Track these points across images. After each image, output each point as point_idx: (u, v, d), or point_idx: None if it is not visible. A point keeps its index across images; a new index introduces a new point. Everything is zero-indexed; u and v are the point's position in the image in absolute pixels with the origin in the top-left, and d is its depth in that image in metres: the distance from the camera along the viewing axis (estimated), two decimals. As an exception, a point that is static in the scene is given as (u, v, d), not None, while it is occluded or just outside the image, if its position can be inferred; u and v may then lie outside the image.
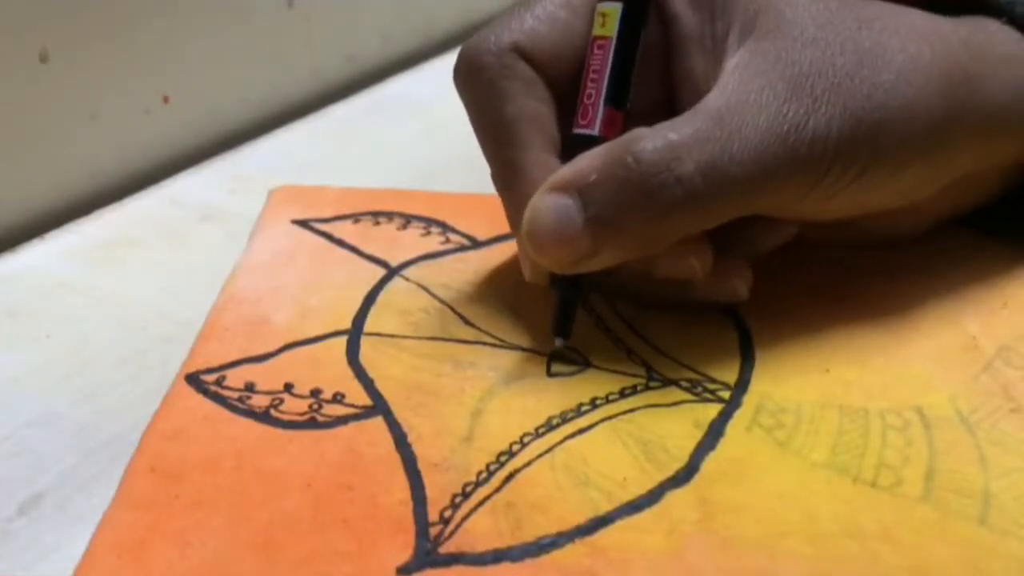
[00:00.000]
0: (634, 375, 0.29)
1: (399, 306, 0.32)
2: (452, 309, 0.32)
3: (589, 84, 0.29)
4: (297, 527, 0.24)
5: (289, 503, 0.25)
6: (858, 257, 0.34)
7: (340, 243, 0.36)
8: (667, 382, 0.29)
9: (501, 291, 0.33)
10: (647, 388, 0.29)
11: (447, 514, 0.25)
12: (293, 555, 0.24)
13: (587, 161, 0.27)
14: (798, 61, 0.28)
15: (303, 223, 0.37)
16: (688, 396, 0.28)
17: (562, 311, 0.30)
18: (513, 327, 0.31)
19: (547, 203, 0.27)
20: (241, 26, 0.48)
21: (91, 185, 0.43)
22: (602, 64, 0.29)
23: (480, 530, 0.24)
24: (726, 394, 0.28)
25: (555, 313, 0.30)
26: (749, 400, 0.28)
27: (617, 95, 0.29)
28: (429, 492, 0.25)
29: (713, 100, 0.27)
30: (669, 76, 0.31)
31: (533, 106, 0.30)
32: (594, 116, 0.29)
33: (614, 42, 0.29)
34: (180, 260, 0.38)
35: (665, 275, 0.29)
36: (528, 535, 0.24)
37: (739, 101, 0.27)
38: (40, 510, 0.27)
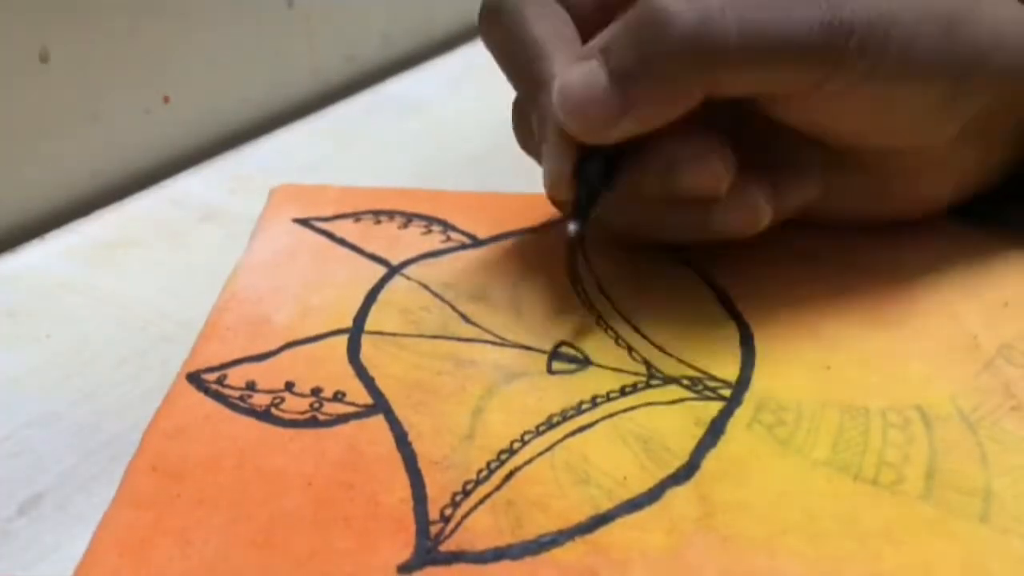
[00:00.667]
0: (635, 373, 0.29)
1: (400, 305, 0.32)
2: (453, 307, 0.32)
3: None
4: (298, 525, 0.24)
5: (290, 502, 0.25)
6: (860, 255, 0.34)
7: (341, 242, 0.36)
8: (668, 380, 0.29)
9: (502, 289, 0.33)
10: (648, 386, 0.29)
11: (447, 512, 0.25)
12: (294, 553, 0.24)
13: (612, 27, 0.28)
14: None
15: (304, 222, 0.37)
16: (689, 394, 0.28)
17: (587, 194, 0.29)
18: (514, 325, 0.31)
19: (574, 70, 0.28)
20: (241, 26, 0.48)
21: (91, 185, 0.43)
22: None
23: (480, 528, 0.24)
24: (727, 392, 0.28)
25: (579, 192, 0.29)
26: (750, 398, 0.28)
27: None
28: (430, 490, 0.25)
29: None
30: None
31: (558, 26, 0.30)
32: None
33: None
34: (180, 260, 0.38)
35: (687, 182, 0.29)
36: (528, 533, 0.24)
37: None
38: (40, 510, 0.27)
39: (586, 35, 0.30)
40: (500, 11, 0.31)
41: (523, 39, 0.30)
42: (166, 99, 0.45)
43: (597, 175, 0.29)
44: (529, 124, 0.31)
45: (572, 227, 0.29)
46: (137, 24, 0.43)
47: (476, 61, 0.52)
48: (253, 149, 0.46)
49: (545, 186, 0.30)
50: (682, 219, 0.31)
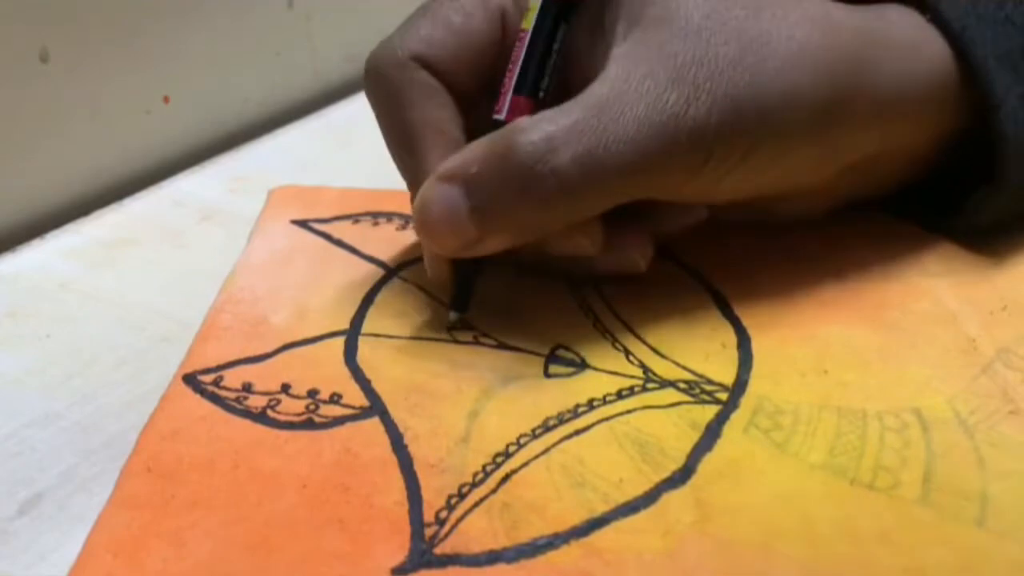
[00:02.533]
0: (631, 376, 0.29)
1: (397, 307, 0.32)
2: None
3: (507, 74, 0.30)
4: (293, 528, 0.24)
5: (285, 503, 0.25)
6: (857, 259, 0.33)
7: (339, 243, 0.36)
8: (664, 383, 0.29)
9: (499, 292, 0.32)
10: (644, 389, 0.29)
11: (442, 515, 0.25)
12: (288, 556, 0.24)
13: (471, 151, 0.28)
14: (681, 51, 0.28)
15: (302, 223, 0.37)
16: (685, 397, 0.28)
17: (460, 286, 0.31)
18: (511, 328, 0.31)
19: (434, 193, 0.28)
20: (241, 26, 0.48)
21: (91, 185, 0.43)
22: (518, 55, 0.30)
23: (475, 531, 0.24)
24: (723, 395, 0.28)
25: (455, 288, 0.31)
26: (747, 401, 0.28)
27: (527, 83, 0.30)
28: (425, 493, 0.25)
29: (595, 90, 0.28)
30: (564, 66, 0.31)
31: (434, 113, 0.30)
32: (503, 103, 0.30)
33: (529, 34, 0.30)
34: (180, 260, 0.38)
35: (559, 253, 0.30)
36: (523, 536, 0.24)
37: (620, 91, 0.28)
38: (40, 510, 0.27)
39: (470, 116, 0.31)
40: (380, 89, 0.31)
41: (400, 126, 0.31)
42: (166, 99, 0.45)
43: (470, 269, 0.31)
44: None
45: (452, 317, 0.31)
46: (137, 24, 0.43)
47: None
48: (253, 149, 0.46)
49: (428, 275, 0.31)
50: (568, 267, 0.32)
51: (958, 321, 0.31)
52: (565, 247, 0.30)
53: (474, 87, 0.31)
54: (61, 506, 0.27)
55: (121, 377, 0.32)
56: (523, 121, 0.28)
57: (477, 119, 0.31)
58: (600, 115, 0.27)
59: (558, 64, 0.30)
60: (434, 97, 0.31)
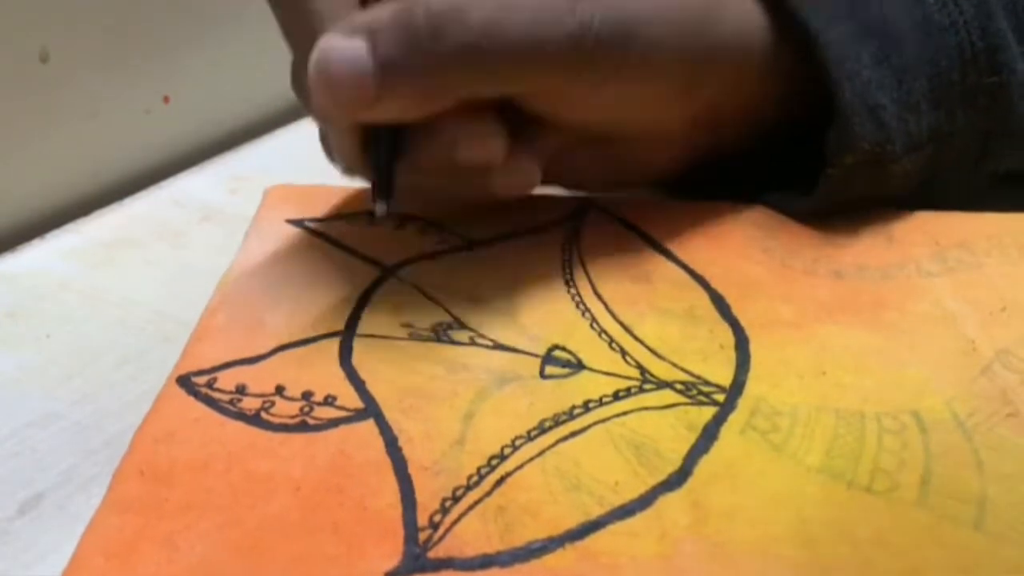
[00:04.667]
0: (628, 378, 0.29)
1: (393, 308, 0.32)
2: (446, 310, 0.32)
3: None
4: (286, 531, 0.24)
5: (278, 506, 0.25)
6: (856, 259, 0.33)
7: (335, 243, 0.35)
8: (661, 384, 0.29)
9: (496, 293, 0.32)
10: (641, 391, 0.28)
11: (436, 518, 0.24)
12: (281, 559, 0.24)
13: (381, 8, 0.29)
14: None
15: (298, 223, 0.36)
16: (682, 399, 0.28)
17: (382, 170, 0.31)
18: (507, 329, 0.31)
19: (339, 43, 0.28)
20: (241, 26, 0.48)
21: (91, 185, 0.43)
22: None
23: (469, 535, 0.24)
24: (721, 397, 0.28)
25: (374, 173, 0.31)
26: (744, 403, 0.28)
27: None
28: (419, 496, 0.25)
29: None
30: None
31: None
32: None
33: None
34: (180, 260, 0.38)
35: (465, 157, 0.31)
36: (518, 540, 0.24)
37: None
38: (40, 510, 0.27)
39: None
40: None
41: (300, 4, 0.31)
42: (166, 99, 0.46)
43: (387, 154, 0.31)
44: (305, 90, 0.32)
45: (379, 209, 0.31)
46: (137, 24, 0.43)
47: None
48: (253, 149, 0.46)
49: (340, 170, 0.32)
50: (464, 184, 0.33)
51: (957, 322, 0.31)
52: (471, 148, 0.31)
53: None
54: (61, 506, 0.27)
55: (121, 377, 0.32)
56: None
57: None
58: None
59: None
60: None
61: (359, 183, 0.39)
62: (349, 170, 0.32)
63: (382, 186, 0.31)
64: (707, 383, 0.29)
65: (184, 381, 0.29)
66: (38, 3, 0.40)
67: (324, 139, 0.35)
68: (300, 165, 0.44)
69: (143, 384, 0.31)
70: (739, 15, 0.33)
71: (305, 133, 0.47)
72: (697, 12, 0.31)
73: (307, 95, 0.32)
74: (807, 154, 0.34)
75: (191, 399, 0.28)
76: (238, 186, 0.43)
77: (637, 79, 0.31)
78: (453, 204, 0.34)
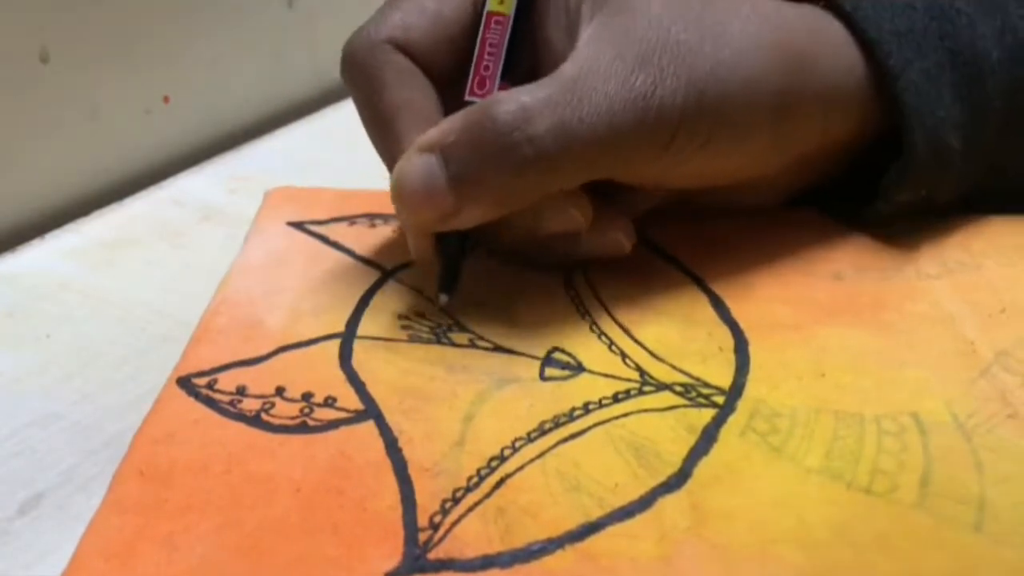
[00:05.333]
0: (628, 380, 0.29)
1: (393, 309, 0.32)
2: (446, 312, 0.32)
3: (487, 57, 0.31)
4: (285, 532, 0.24)
5: (278, 508, 0.25)
6: (855, 261, 0.33)
7: (335, 245, 0.35)
8: (661, 387, 0.29)
9: (495, 295, 0.32)
10: (641, 393, 0.28)
11: (437, 519, 0.25)
12: (281, 560, 0.24)
13: (449, 123, 0.29)
14: (644, 37, 0.29)
15: (298, 225, 0.37)
16: (682, 401, 0.28)
17: (447, 267, 0.31)
18: (507, 331, 0.31)
19: (412, 162, 0.29)
20: (241, 26, 0.48)
21: (91, 185, 0.43)
22: (500, 39, 0.31)
23: (470, 536, 0.24)
24: (720, 399, 0.28)
25: (441, 269, 0.31)
26: (743, 405, 0.28)
27: (509, 69, 0.31)
28: (419, 497, 0.25)
29: (567, 68, 0.29)
30: (532, 47, 0.32)
31: (410, 95, 0.31)
32: (492, 87, 0.31)
33: (511, 20, 0.31)
34: (180, 260, 0.38)
35: (550, 229, 0.31)
36: (518, 541, 0.24)
37: (590, 69, 0.29)
38: (40, 510, 0.27)
39: (440, 79, 0.32)
40: (356, 74, 0.32)
41: (377, 109, 0.31)
42: (166, 99, 0.45)
43: (455, 248, 0.31)
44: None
45: (442, 299, 0.31)
46: (137, 24, 0.43)
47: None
48: (253, 149, 0.46)
49: (412, 256, 0.31)
50: (551, 251, 0.32)
51: (956, 323, 0.31)
52: (558, 221, 0.31)
53: (450, 68, 0.32)
54: (61, 506, 0.27)
55: (121, 377, 0.32)
56: (500, 94, 0.29)
57: (453, 99, 0.31)
58: (573, 90, 0.28)
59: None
60: (409, 78, 0.31)
61: (359, 183, 0.40)
62: (422, 264, 0.32)
63: (448, 280, 0.31)
64: (707, 385, 0.29)
65: (184, 382, 0.29)
66: (38, 3, 0.40)
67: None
68: (300, 165, 0.45)
69: (143, 384, 0.31)
70: (832, 60, 0.32)
71: (305, 133, 0.48)
72: (791, 66, 0.31)
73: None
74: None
75: (191, 400, 0.28)
76: (238, 186, 0.43)
77: (727, 147, 0.31)
78: (542, 266, 0.33)
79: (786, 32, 0.31)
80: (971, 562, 0.23)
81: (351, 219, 0.37)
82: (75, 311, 0.35)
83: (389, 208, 0.37)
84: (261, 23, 0.49)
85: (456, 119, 0.29)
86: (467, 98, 0.31)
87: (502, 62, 0.31)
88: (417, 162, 0.29)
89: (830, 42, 0.32)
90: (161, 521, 0.25)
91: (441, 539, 0.24)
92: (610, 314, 0.32)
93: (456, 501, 0.25)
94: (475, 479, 0.26)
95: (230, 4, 0.47)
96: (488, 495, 0.25)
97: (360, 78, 0.31)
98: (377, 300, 0.32)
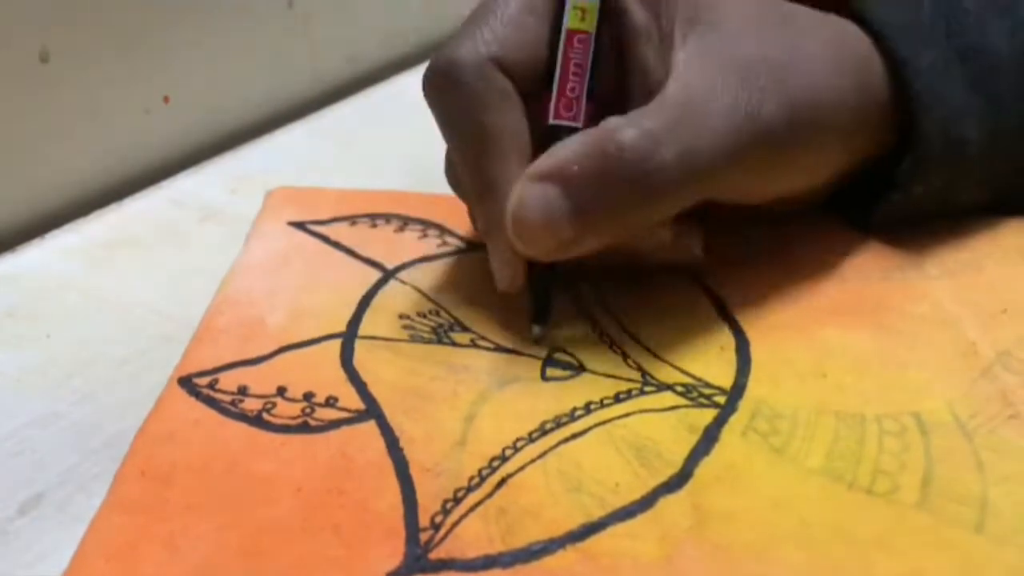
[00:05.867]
0: (629, 380, 0.29)
1: (394, 309, 0.32)
2: (448, 312, 0.32)
3: (572, 78, 0.30)
4: (287, 532, 0.24)
5: (279, 508, 0.25)
6: (856, 262, 0.33)
7: (336, 245, 0.35)
8: (662, 387, 0.29)
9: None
10: (642, 393, 0.28)
11: (438, 519, 0.25)
12: (282, 560, 0.24)
13: (568, 151, 0.28)
14: (740, 55, 0.30)
15: (300, 225, 0.37)
16: (683, 401, 0.28)
17: (541, 297, 0.30)
18: (508, 331, 0.31)
19: (531, 193, 0.28)
20: (241, 26, 0.48)
21: (91, 185, 0.43)
22: (584, 58, 0.30)
23: (471, 536, 0.24)
24: (721, 399, 0.28)
25: (533, 300, 0.30)
26: (745, 405, 0.28)
27: (593, 88, 0.30)
28: (420, 497, 0.25)
29: (673, 90, 0.29)
30: (619, 68, 0.31)
31: (511, 118, 0.30)
32: (579, 109, 0.30)
33: (594, 36, 0.30)
34: (180, 260, 0.38)
35: (634, 246, 0.30)
36: (519, 541, 0.24)
37: (699, 90, 0.29)
38: (41, 510, 0.27)
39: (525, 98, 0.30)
40: (453, 90, 0.30)
41: (476, 130, 0.30)
42: (166, 99, 0.45)
43: (549, 278, 0.30)
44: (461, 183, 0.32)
45: (536, 331, 0.30)
46: (137, 24, 0.43)
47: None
48: (253, 149, 0.46)
49: (498, 287, 0.31)
50: (627, 262, 0.32)
51: (958, 324, 0.31)
52: (641, 240, 0.30)
53: (533, 88, 0.31)
54: (61, 506, 0.27)
55: (121, 377, 0.32)
56: (616, 120, 0.28)
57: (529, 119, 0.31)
58: (689, 113, 0.28)
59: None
60: (509, 101, 0.30)
61: (359, 183, 0.40)
62: (508, 292, 0.31)
63: (540, 311, 0.30)
64: (708, 385, 0.29)
65: (185, 382, 0.29)
66: (38, 3, 0.40)
67: (449, 167, 0.34)
68: (300, 165, 0.45)
69: (143, 384, 0.31)
70: (879, 77, 0.32)
71: (305, 133, 0.48)
72: (863, 80, 0.31)
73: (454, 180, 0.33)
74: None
75: (192, 400, 0.28)
76: (238, 186, 0.42)
77: (809, 167, 0.31)
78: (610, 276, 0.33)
79: (854, 44, 0.32)
80: (973, 562, 0.23)
81: (352, 219, 0.37)
82: (75, 311, 0.35)
83: (390, 208, 0.37)
84: (261, 23, 0.49)
85: (575, 146, 0.28)
86: (552, 121, 0.30)
87: (587, 82, 0.30)
88: (536, 191, 0.28)
89: (870, 55, 0.32)
90: (162, 521, 0.25)
91: (442, 539, 0.24)
92: (612, 315, 0.32)
93: (457, 501, 0.25)
94: (476, 479, 0.26)
95: (231, 4, 0.47)
96: (489, 495, 0.25)
97: (458, 96, 0.30)
98: (379, 300, 0.32)
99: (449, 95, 0.30)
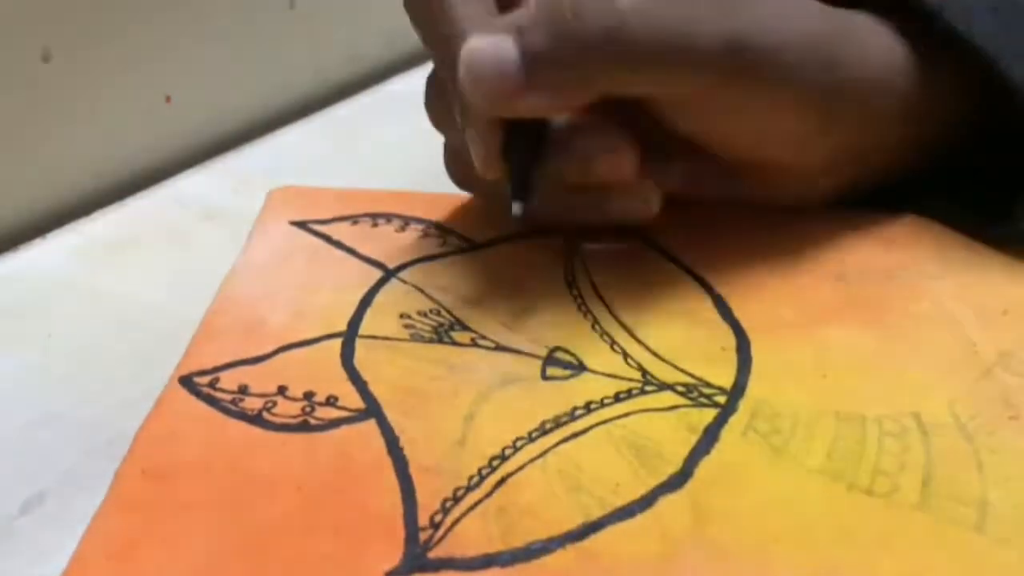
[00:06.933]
0: (629, 379, 0.29)
1: (395, 309, 0.32)
2: (448, 312, 0.32)
3: None
4: (287, 531, 0.24)
5: (279, 507, 0.25)
6: (857, 261, 0.33)
7: (337, 244, 0.35)
8: (663, 386, 0.29)
9: (498, 294, 0.32)
10: (642, 392, 0.28)
11: (437, 518, 0.24)
12: (282, 559, 0.24)
13: (524, 6, 0.29)
14: None
15: (301, 224, 0.36)
16: (684, 401, 0.28)
17: (518, 171, 0.31)
18: (509, 330, 0.31)
19: (484, 40, 0.29)
20: (243, 26, 0.48)
21: (93, 184, 0.43)
22: None
23: (470, 535, 0.24)
24: (722, 399, 0.28)
25: (511, 174, 0.30)
26: (745, 405, 0.28)
27: None
28: (420, 496, 0.25)
29: None
30: None
31: (481, 8, 0.30)
32: None
33: None
34: (182, 260, 0.38)
35: (603, 173, 0.31)
36: (518, 540, 0.24)
37: None
38: (42, 509, 0.27)
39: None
40: None
41: (445, 14, 0.30)
42: (168, 99, 0.45)
43: (526, 155, 0.30)
44: (445, 100, 0.32)
45: (516, 208, 0.31)
46: (139, 24, 0.43)
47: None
48: (254, 149, 0.46)
49: (476, 167, 0.31)
50: (584, 204, 0.33)
51: (959, 325, 0.31)
52: (612, 165, 0.31)
53: None
54: (63, 505, 0.27)
55: (123, 376, 0.32)
56: None
57: None
58: None
59: None
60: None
61: (360, 183, 0.40)
62: (484, 167, 0.31)
63: (519, 186, 0.31)
64: (708, 385, 0.29)
65: (186, 381, 0.29)
66: (40, 2, 0.40)
67: (447, 153, 0.35)
68: (301, 164, 0.45)
69: (145, 383, 0.31)
70: (875, 54, 0.32)
71: (307, 133, 0.48)
72: (830, 38, 0.31)
73: (439, 108, 0.33)
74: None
75: (193, 399, 0.28)
76: (240, 186, 0.43)
77: (775, 102, 0.31)
78: (566, 224, 0.34)
79: (828, 13, 0.31)
80: (973, 562, 0.23)
81: (353, 218, 0.37)
82: (77, 311, 0.35)
83: (392, 207, 0.37)
84: (263, 23, 0.49)
85: (528, 7, 0.29)
86: None
87: None
88: (489, 39, 0.28)
89: (869, 35, 0.32)
90: (163, 520, 0.25)
91: (442, 538, 0.24)
92: (612, 314, 0.31)
93: (457, 500, 0.25)
94: (476, 478, 0.26)
95: (232, 4, 0.47)
96: (489, 494, 0.25)
97: None
98: (379, 299, 0.32)
99: None
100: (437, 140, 0.46)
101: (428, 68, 0.53)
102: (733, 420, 0.27)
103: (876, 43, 0.32)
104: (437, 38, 0.31)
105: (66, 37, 0.41)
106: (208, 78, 0.47)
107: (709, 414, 0.28)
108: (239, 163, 0.45)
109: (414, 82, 0.52)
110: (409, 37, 0.45)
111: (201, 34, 0.46)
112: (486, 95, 0.29)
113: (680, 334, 0.31)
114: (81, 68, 0.42)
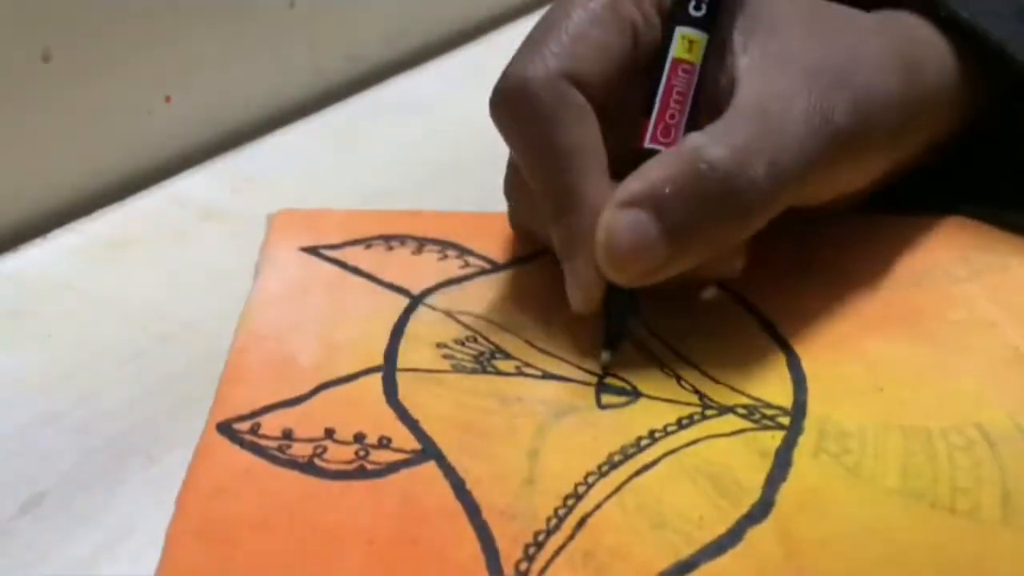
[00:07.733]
0: (688, 404, 0.28)
1: (430, 337, 0.31)
2: (486, 339, 0.31)
3: (673, 104, 0.29)
4: (364, 589, 0.23)
5: (352, 563, 0.23)
6: (885, 268, 0.33)
7: (355, 271, 0.34)
8: (723, 409, 0.28)
9: (532, 317, 0.31)
10: (704, 417, 0.28)
11: (523, 567, 0.23)
12: (363, 620, 0.22)
13: (656, 172, 0.27)
14: (802, 59, 0.29)
15: (312, 250, 0.35)
16: (747, 424, 0.27)
17: (616, 322, 0.29)
18: (551, 356, 0.30)
19: (621, 218, 0.27)
20: (243, 26, 0.47)
21: (93, 184, 0.42)
22: (687, 88, 0.30)
23: (560, 582, 0.23)
24: (785, 420, 0.27)
25: (608, 324, 0.29)
26: (810, 425, 0.27)
27: (696, 117, 0.30)
28: (500, 543, 0.24)
29: (746, 100, 0.29)
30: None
31: (589, 134, 0.29)
32: (677, 136, 0.29)
33: (698, 69, 0.30)
34: (182, 260, 0.37)
35: (711, 276, 0.31)
36: (612, 584, 0.23)
37: (772, 98, 0.28)
38: (42, 509, 0.26)
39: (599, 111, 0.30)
40: (525, 108, 0.29)
41: (552, 148, 0.29)
42: (167, 99, 0.44)
43: (626, 305, 0.29)
44: (524, 202, 0.32)
45: (605, 356, 0.29)
46: (139, 24, 0.42)
47: (478, 61, 0.51)
48: (254, 149, 0.45)
49: (573, 308, 0.30)
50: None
51: (998, 329, 0.31)
52: (720, 269, 0.30)
53: (609, 103, 0.30)
54: (63, 506, 0.26)
55: (123, 376, 0.31)
56: (698, 137, 0.28)
57: (613, 139, 0.30)
58: (768, 122, 0.28)
59: None
60: (586, 118, 0.29)
61: (360, 183, 0.38)
62: (583, 312, 0.30)
63: (615, 337, 0.29)
64: (769, 405, 0.28)
65: (225, 428, 0.27)
66: (40, 3, 0.39)
67: (508, 183, 0.33)
68: (301, 165, 0.44)
69: (145, 383, 0.30)
70: (938, 62, 0.33)
71: (306, 133, 0.47)
72: (912, 76, 0.32)
73: (520, 210, 0.33)
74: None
75: (236, 448, 0.27)
76: (240, 186, 0.42)
77: (875, 158, 0.31)
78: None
79: (898, 43, 0.32)
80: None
81: (366, 242, 0.35)
82: (77, 311, 0.34)
83: (402, 228, 0.36)
84: (263, 23, 0.48)
85: (663, 167, 0.27)
86: (648, 145, 0.29)
87: (687, 112, 0.29)
88: (626, 217, 0.27)
89: (925, 42, 0.33)
90: (229, 585, 0.23)
91: (532, 587, 0.23)
92: (656, 335, 0.31)
93: (539, 546, 0.24)
94: (554, 520, 0.24)
95: (232, 4, 0.46)
96: (571, 537, 0.24)
97: (531, 114, 0.29)
98: (411, 328, 0.31)
99: (524, 114, 0.29)
100: (437, 140, 0.45)
101: (428, 68, 0.53)
102: (802, 441, 0.27)
103: (935, 61, 0.33)
104: (539, 167, 0.29)
105: (66, 37, 0.40)
106: (208, 78, 0.46)
107: (777, 437, 0.27)
108: (239, 163, 0.44)
109: (413, 83, 0.52)
110: (409, 37, 0.44)
111: (201, 34, 0.45)
112: (629, 277, 0.28)
113: (728, 353, 0.30)
114: (81, 68, 0.41)
